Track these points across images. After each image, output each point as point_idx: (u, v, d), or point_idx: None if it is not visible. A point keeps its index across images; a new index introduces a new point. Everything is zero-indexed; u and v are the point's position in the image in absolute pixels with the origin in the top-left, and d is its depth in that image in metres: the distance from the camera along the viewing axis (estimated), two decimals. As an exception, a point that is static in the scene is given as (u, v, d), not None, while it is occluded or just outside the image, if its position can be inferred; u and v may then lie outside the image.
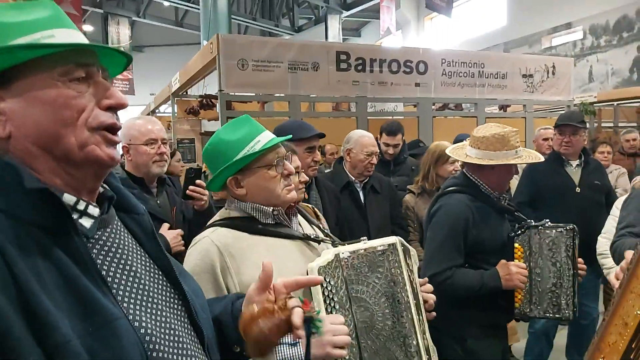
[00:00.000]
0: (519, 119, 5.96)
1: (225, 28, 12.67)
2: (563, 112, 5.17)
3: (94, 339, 0.68)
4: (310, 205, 2.11)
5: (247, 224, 1.47)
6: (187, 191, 2.22)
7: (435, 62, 5.35)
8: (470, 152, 2.23)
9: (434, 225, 2.23)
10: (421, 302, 1.53)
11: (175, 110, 7.06)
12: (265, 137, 1.47)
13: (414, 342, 1.43)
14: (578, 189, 3.42)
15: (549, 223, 2.16)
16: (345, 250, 1.43)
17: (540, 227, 2.14)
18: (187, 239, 2.20)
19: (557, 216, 2.36)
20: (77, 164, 0.77)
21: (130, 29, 17.39)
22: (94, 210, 0.80)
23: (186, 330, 0.87)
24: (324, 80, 4.82)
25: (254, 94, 4.85)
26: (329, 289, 1.37)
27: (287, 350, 1.20)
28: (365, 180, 3.13)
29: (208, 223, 1.55)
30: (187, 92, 7.12)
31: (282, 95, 4.85)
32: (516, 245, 2.16)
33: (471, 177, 2.26)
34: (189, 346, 0.84)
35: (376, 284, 1.42)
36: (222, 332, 1.01)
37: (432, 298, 1.59)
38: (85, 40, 0.79)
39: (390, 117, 5.48)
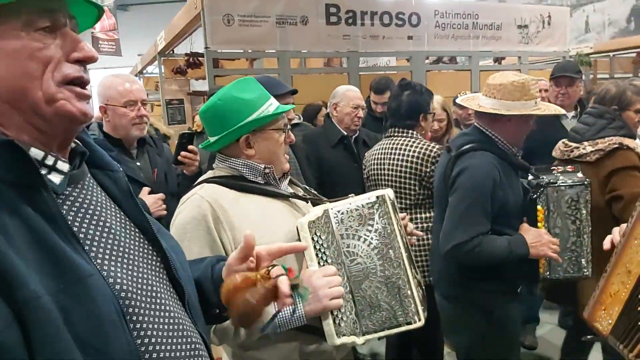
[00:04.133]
0: (514, 71, 5.84)
1: (212, -16, 12.28)
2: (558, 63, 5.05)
3: (66, 296, 0.67)
4: None
5: (236, 182, 1.47)
6: (179, 157, 2.15)
7: (428, 13, 5.19)
8: (485, 102, 2.01)
9: (459, 188, 1.98)
10: (411, 253, 1.53)
11: (163, 71, 6.89)
12: (275, 102, 1.50)
13: (409, 292, 1.44)
14: None
15: (562, 178, 2.00)
16: (333, 205, 1.44)
17: (557, 185, 1.98)
18: (170, 203, 2.14)
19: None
20: (47, 119, 0.74)
21: (114, -13, 16.83)
22: (64, 166, 0.78)
23: (164, 287, 0.85)
24: (313, 35, 4.67)
25: (242, 51, 4.71)
26: (320, 243, 1.39)
27: (288, 318, 1.28)
28: (356, 135, 3.15)
29: (198, 181, 1.53)
30: (173, 51, 6.92)
31: (271, 51, 4.72)
32: (539, 207, 2.01)
33: (486, 131, 2.05)
34: (166, 302, 0.83)
35: (367, 237, 1.43)
36: (202, 294, 1.00)
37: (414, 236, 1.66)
38: None
39: (383, 72, 5.35)
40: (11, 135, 0.72)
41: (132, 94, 2.14)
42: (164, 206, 2.14)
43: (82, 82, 0.77)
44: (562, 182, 2.00)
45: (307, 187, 1.67)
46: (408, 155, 2.53)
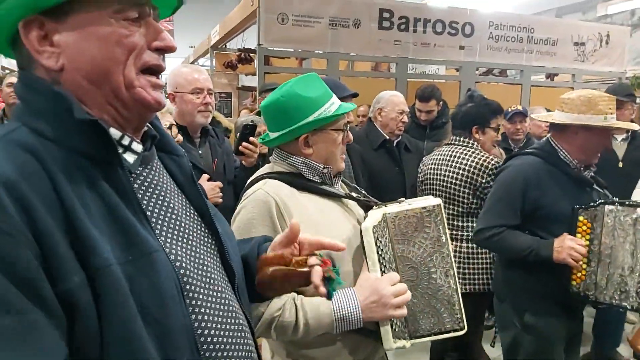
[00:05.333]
0: (567, 89, 5.71)
1: (267, -19, 12.44)
2: (611, 84, 4.90)
3: (133, 267, 0.71)
4: None
5: (295, 180, 1.47)
6: (240, 147, 2.22)
7: (483, 24, 5.13)
8: (557, 116, 2.11)
9: (495, 184, 2.22)
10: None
11: (214, 64, 7.05)
12: (337, 101, 1.48)
13: (456, 300, 1.48)
14: (621, 164, 3.28)
15: (636, 201, 1.95)
16: (391, 210, 1.44)
17: (617, 204, 1.92)
18: (226, 192, 2.25)
19: None
20: (124, 103, 0.79)
21: (172, -21, 17.21)
22: (138, 147, 0.82)
23: (218, 269, 0.90)
24: (364, 38, 4.70)
25: (292, 50, 4.77)
26: (381, 247, 1.39)
27: (345, 305, 1.34)
28: (398, 139, 3.17)
29: (256, 175, 1.55)
30: (225, 46, 7.07)
31: (321, 52, 4.76)
32: (580, 218, 1.96)
33: (552, 142, 2.13)
34: (219, 283, 0.88)
35: (422, 244, 1.45)
36: (247, 272, 1.04)
37: None
38: None
39: (431, 80, 5.32)
40: (93, 113, 0.77)
41: (199, 82, 2.25)
42: (221, 194, 2.24)
43: (159, 70, 0.82)
44: (627, 203, 1.92)
45: (358, 188, 1.67)
46: (465, 164, 2.59)
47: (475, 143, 2.64)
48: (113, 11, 0.76)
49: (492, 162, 2.52)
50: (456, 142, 2.69)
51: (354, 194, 1.61)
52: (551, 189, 2.03)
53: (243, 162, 2.31)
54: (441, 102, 3.91)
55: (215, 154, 2.39)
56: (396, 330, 1.38)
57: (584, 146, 2.05)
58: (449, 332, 1.47)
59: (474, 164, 2.55)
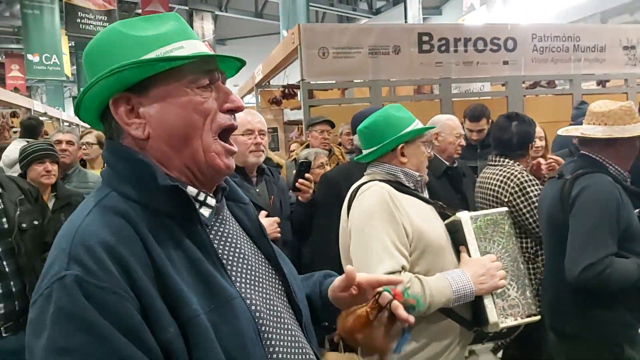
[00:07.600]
0: (621, 94, 5.48)
1: (303, 16, 12.75)
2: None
3: (216, 315, 0.78)
4: None
5: (395, 184, 1.75)
6: (297, 183, 2.29)
7: (525, 37, 5.04)
8: (594, 131, 2.03)
9: (581, 209, 1.92)
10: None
11: (259, 101, 7.23)
12: (420, 123, 1.84)
13: (530, 288, 1.75)
14: None
15: None
16: (474, 213, 1.76)
17: None
18: (283, 227, 2.33)
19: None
20: (200, 166, 0.87)
21: (214, 23, 17.97)
22: (212, 201, 0.90)
23: (286, 309, 0.95)
24: (405, 63, 4.71)
25: (334, 82, 4.84)
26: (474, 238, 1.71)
27: (459, 280, 1.58)
28: (456, 166, 3.08)
29: (359, 183, 1.81)
30: (269, 83, 7.25)
31: (362, 80, 4.81)
32: None
33: (597, 158, 2.04)
34: (289, 322, 0.93)
35: (500, 241, 1.75)
36: (312, 309, 1.08)
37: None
38: (207, 50, 0.88)
39: (477, 98, 5.25)
40: (172, 175, 0.85)
41: (250, 124, 2.34)
42: (279, 229, 2.29)
43: (232, 128, 0.90)
44: None
45: (438, 202, 1.89)
46: (491, 183, 2.57)
47: (508, 160, 2.61)
48: (188, 81, 0.84)
49: (517, 177, 2.46)
50: (495, 163, 2.67)
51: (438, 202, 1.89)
52: (629, 206, 1.95)
53: (299, 197, 2.36)
54: (490, 120, 3.85)
55: (272, 191, 2.48)
56: (499, 308, 1.63)
57: (628, 156, 2.06)
58: (532, 315, 1.72)
59: (497, 182, 2.52)
